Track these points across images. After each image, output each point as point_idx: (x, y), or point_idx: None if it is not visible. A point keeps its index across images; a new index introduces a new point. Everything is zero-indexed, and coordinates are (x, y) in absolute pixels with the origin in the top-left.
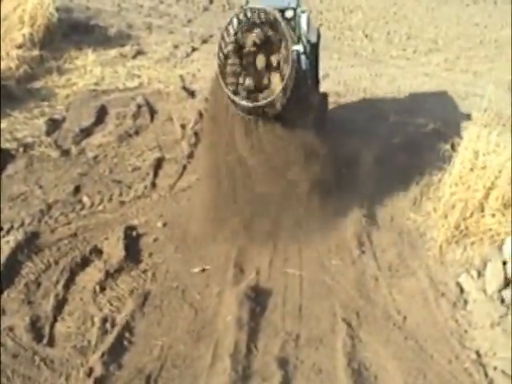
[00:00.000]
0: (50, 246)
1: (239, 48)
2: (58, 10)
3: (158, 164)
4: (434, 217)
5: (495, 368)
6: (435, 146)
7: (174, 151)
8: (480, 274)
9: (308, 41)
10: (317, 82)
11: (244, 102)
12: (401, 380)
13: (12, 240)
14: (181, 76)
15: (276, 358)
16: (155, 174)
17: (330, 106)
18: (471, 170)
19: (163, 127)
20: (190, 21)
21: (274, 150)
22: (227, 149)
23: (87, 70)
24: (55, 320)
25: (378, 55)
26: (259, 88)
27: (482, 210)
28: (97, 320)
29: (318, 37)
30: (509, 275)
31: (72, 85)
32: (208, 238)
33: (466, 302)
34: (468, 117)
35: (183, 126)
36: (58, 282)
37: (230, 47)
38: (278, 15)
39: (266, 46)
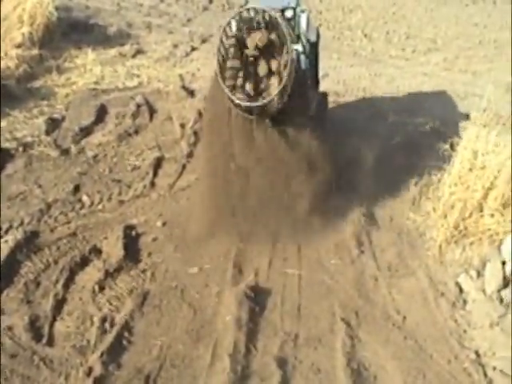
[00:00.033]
0: (50, 246)
1: (239, 47)
2: (57, 9)
3: (158, 163)
4: (434, 217)
5: (494, 368)
6: (434, 146)
7: (173, 150)
8: (479, 274)
9: (307, 40)
10: (316, 81)
11: (243, 102)
12: (400, 380)
13: (11, 239)
14: (180, 75)
15: (275, 357)
16: (155, 174)
17: (330, 106)
18: (470, 169)
19: (163, 126)
20: (189, 20)
21: (273, 149)
22: (226, 148)
23: (87, 69)
24: (54, 319)
25: (377, 55)
26: (259, 89)
27: (481, 210)
28: (96, 319)
29: (318, 36)
30: (508, 275)
31: (71, 84)
32: (207, 238)
33: (465, 301)
34: (467, 117)
35: (183, 126)
36: (57, 281)
37: (230, 46)
38: (278, 15)
39: (268, 49)
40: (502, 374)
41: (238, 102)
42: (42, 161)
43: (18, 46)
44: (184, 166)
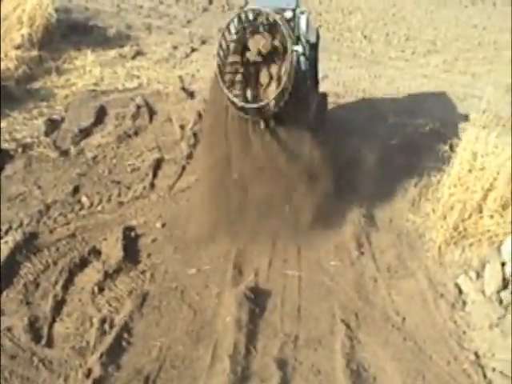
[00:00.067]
0: (49, 247)
1: (240, 47)
2: (56, 10)
3: (157, 165)
4: (433, 218)
5: (494, 369)
6: (434, 147)
7: (173, 152)
8: (479, 275)
9: (307, 41)
10: (316, 82)
11: (240, 102)
12: (399, 381)
13: (11, 240)
14: (180, 77)
15: (275, 358)
16: (154, 175)
17: (330, 107)
18: (470, 171)
19: (162, 128)
20: (189, 21)
21: (273, 150)
22: (226, 148)
23: (86, 70)
24: (54, 321)
25: (376, 56)
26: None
27: (481, 211)
28: (95, 321)
29: (317, 37)
30: (507, 276)
31: (71, 85)
32: (207, 239)
33: (464, 303)
34: (466, 118)
35: (182, 127)
36: (56, 282)
37: (231, 48)
38: (278, 17)
39: (271, 55)
40: (501, 376)
41: (235, 101)
42: (42, 162)
43: (18, 47)
44: (184, 168)
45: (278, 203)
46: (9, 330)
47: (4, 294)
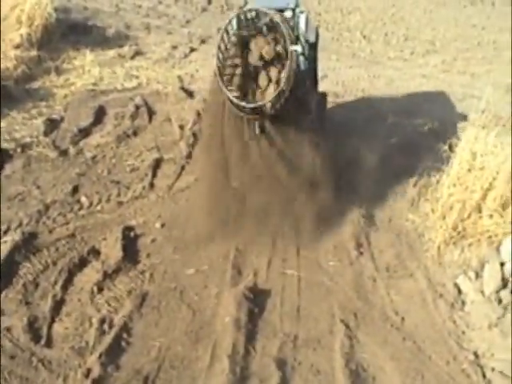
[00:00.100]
0: (48, 247)
1: (239, 49)
2: (55, 10)
3: (157, 164)
4: (432, 218)
5: (493, 369)
6: (433, 147)
7: (172, 152)
8: (478, 275)
9: (306, 41)
10: (315, 81)
11: (242, 103)
12: (399, 381)
13: (10, 240)
14: (179, 76)
15: (274, 359)
16: (153, 175)
17: (329, 106)
18: (469, 171)
19: (161, 128)
20: (188, 21)
21: (272, 150)
22: (225, 149)
23: (85, 70)
24: (53, 321)
25: (375, 56)
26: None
27: (480, 211)
28: (94, 321)
29: (317, 36)
30: (506, 276)
31: (70, 85)
32: (206, 239)
33: (463, 303)
34: (465, 118)
35: (181, 127)
36: (55, 282)
37: (230, 48)
38: (278, 16)
39: (272, 60)
40: (500, 375)
41: (233, 100)
42: (41, 162)
43: (17, 47)
44: (183, 168)
45: (277, 203)
46: (8, 330)
47: (3, 293)
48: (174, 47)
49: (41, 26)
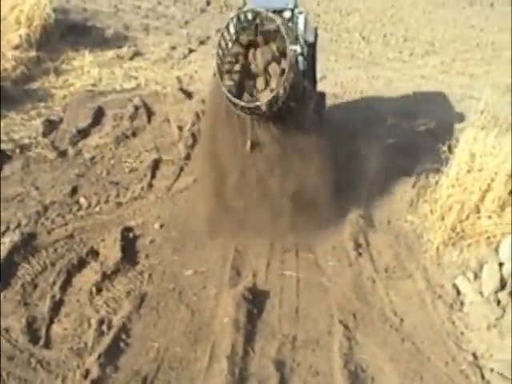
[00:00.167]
0: (47, 248)
1: (239, 50)
2: (54, 10)
3: (155, 165)
4: (431, 219)
5: (492, 370)
6: (432, 148)
7: (171, 152)
8: (476, 276)
9: (305, 41)
10: (314, 81)
11: (241, 102)
12: (397, 382)
13: (8, 241)
14: (178, 77)
15: (273, 360)
16: (152, 176)
17: (328, 107)
18: (468, 172)
19: (160, 128)
20: (187, 22)
21: (271, 150)
22: (224, 149)
23: (84, 71)
24: (51, 322)
25: (374, 57)
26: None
27: (479, 212)
28: (93, 322)
29: (316, 37)
30: (505, 277)
31: (69, 86)
32: (205, 240)
33: (462, 303)
34: (464, 119)
35: (180, 128)
36: (54, 283)
37: (230, 48)
38: (277, 18)
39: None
40: (499, 376)
41: (233, 99)
42: (40, 163)
43: (16, 48)
44: (182, 168)
45: (276, 204)
46: (6, 331)
47: (2, 294)
48: (173, 48)
49: (40, 26)
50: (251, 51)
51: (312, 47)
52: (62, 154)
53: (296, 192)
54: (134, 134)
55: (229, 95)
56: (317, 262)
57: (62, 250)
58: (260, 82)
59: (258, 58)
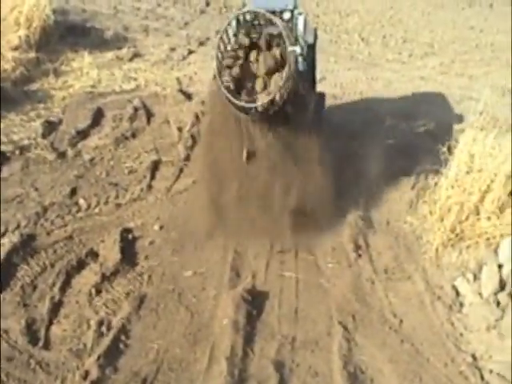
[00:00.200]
0: (46, 249)
1: (239, 50)
2: (54, 12)
3: (155, 166)
4: (430, 220)
5: (491, 371)
6: (431, 149)
7: (170, 154)
8: (476, 277)
9: (305, 42)
10: (314, 82)
11: (241, 103)
12: (397, 383)
13: (8, 242)
14: (177, 78)
15: (272, 361)
16: (152, 177)
17: (327, 108)
18: (467, 173)
19: (160, 130)
20: (186, 23)
21: (271, 151)
22: (225, 150)
23: (84, 72)
24: (51, 323)
25: (374, 59)
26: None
27: (478, 213)
28: (93, 323)
29: (315, 37)
30: (504, 278)
31: (68, 87)
32: (204, 241)
33: (461, 305)
34: (463, 120)
35: (180, 129)
36: (53, 284)
37: (229, 49)
38: (277, 19)
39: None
40: (498, 378)
41: (235, 102)
42: (39, 164)
43: (15, 49)
44: (181, 170)
45: (275, 205)
46: (6, 332)
47: (1, 296)
48: (173, 49)
49: (39, 27)
50: (252, 53)
51: (312, 48)
52: (62, 155)
53: (295, 193)
54: (134, 135)
55: (227, 93)
56: (316, 263)
57: (61, 252)
58: (259, 84)
59: (261, 64)
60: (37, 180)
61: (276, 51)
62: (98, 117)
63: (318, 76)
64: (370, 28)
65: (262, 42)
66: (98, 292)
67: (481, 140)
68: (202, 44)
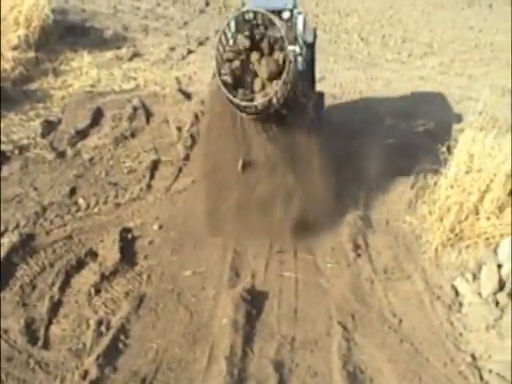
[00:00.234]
0: (45, 248)
1: (239, 49)
2: (53, 11)
3: (154, 166)
4: (430, 220)
5: (490, 371)
6: (430, 149)
7: (169, 153)
8: (475, 277)
9: (304, 41)
10: (313, 82)
11: (241, 102)
12: (396, 383)
13: (7, 242)
14: (177, 78)
15: (271, 360)
16: (151, 176)
17: (326, 108)
18: (466, 172)
19: (159, 129)
20: (186, 23)
21: (270, 150)
22: (224, 150)
23: (83, 71)
24: (50, 322)
25: (373, 58)
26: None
27: (477, 213)
28: (92, 323)
29: (315, 37)
30: (504, 278)
31: (68, 86)
32: (204, 241)
33: (461, 304)
34: (463, 120)
35: (179, 129)
36: (53, 284)
37: (229, 49)
38: (276, 18)
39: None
40: (498, 377)
41: (235, 101)
42: (38, 163)
43: (14, 49)
44: (180, 169)
45: (274, 204)
46: (5, 331)
47: (0, 295)
48: (172, 49)
49: (38, 27)
50: (254, 54)
51: (311, 48)
52: (61, 154)
53: (294, 193)
54: (133, 135)
55: (223, 88)
56: (315, 263)
57: (60, 251)
58: (257, 83)
59: (263, 68)
60: (36, 179)
61: (279, 55)
62: (97, 116)
63: (318, 76)
64: (369, 28)
65: (265, 45)
66: (98, 292)
67: (480, 140)
68: (201, 44)
